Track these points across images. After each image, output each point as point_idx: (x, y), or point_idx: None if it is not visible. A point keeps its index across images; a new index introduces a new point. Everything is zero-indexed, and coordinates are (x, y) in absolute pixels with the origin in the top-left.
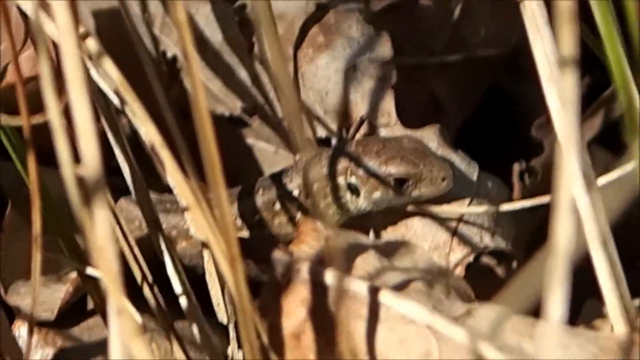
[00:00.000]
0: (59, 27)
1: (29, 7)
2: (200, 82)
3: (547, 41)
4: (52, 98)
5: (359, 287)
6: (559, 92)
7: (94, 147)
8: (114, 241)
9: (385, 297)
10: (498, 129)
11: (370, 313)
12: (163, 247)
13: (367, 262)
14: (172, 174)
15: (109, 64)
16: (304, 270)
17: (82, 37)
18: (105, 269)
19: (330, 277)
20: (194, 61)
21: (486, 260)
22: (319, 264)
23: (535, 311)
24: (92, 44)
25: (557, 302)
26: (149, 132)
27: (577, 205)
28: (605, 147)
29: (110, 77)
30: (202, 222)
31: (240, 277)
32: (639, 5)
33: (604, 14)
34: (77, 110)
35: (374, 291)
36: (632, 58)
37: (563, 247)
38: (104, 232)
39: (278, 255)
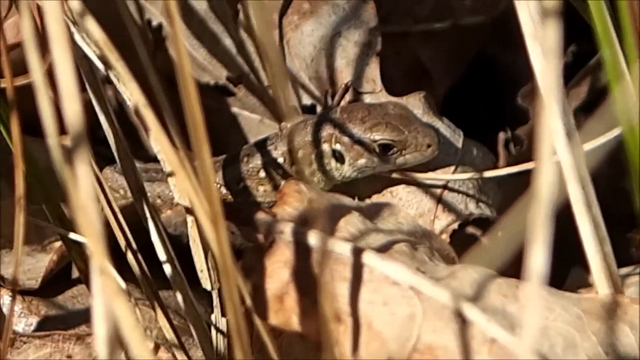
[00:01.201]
0: None
1: None
2: (185, 49)
3: (532, 2)
4: (35, 57)
5: (342, 248)
6: (542, 44)
7: (76, 106)
8: (97, 201)
9: (369, 259)
10: (484, 97)
11: (353, 274)
12: (148, 214)
13: (350, 223)
14: (156, 135)
15: (92, 24)
16: (287, 231)
17: None
18: (87, 229)
19: (313, 238)
20: (179, 28)
21: (471, 229)
22: (302, 225)
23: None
24: (74, 4)
25: (539, 257)
26: (132, 93)
27: (562, 167)
28: (591, 114)
29: (95, 42)
30: (185, 183)
31: (222, 237)
32: None
33: None
34: (60, 69)
35: (357, 252)
36: (617, 20)
37: (545, 198)
38: (86, 191)
39: (261, 216)
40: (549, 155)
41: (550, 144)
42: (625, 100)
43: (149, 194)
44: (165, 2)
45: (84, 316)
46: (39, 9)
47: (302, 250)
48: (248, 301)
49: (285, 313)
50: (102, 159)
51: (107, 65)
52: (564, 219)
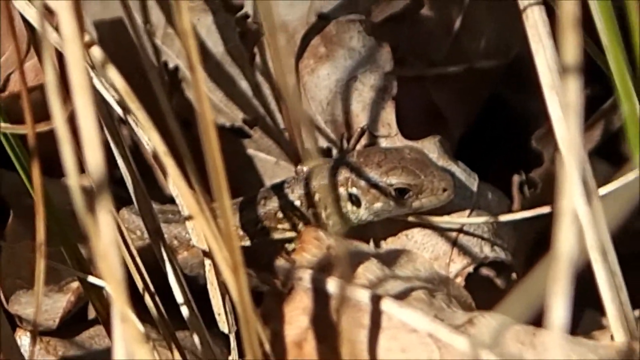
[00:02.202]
0: (64, 34)
1: (32, 16)
2: (205, 90)
3: (549, 50)
4: (57, 105)
5: (361, 295)
6: (561, 99)
7: (98, 154)
8: (118, 248)
9: (387, 306)
10: (498, 140)
11: (372, 321)
12: (165, 256)
13: (368, 270)
14: (176, 181)
15: (113, 72)
16: (306, 278)
17: (87, 46)
18: (109, 276)
19: (332, 285)
20: (199, 69)
21: (486, 271)
22: (321, 272)
23: (537, 321)
24: (96, 52)
25: (559, 310)
26: (153, 140)
27: (578, 215)
28: (604, 159)
29: (113, 86)
30: (205, 229)
31: (242, 284)
32: None
33: (607, 22)
34: (82, 116)
35: (375, 299)
36: (634, 68)
37: (566, 255)
38: (108, 238)
39: (280, 263)
40: (569, 217)
41: (571, 201)
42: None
43: (165, 235)
44: (184, 44)
45: (101, 357)
46: (57, 52)
47: (320, 296)
48: (267, 347)
49: (305, 359)
50: (119, 199)
51: (126, 110)
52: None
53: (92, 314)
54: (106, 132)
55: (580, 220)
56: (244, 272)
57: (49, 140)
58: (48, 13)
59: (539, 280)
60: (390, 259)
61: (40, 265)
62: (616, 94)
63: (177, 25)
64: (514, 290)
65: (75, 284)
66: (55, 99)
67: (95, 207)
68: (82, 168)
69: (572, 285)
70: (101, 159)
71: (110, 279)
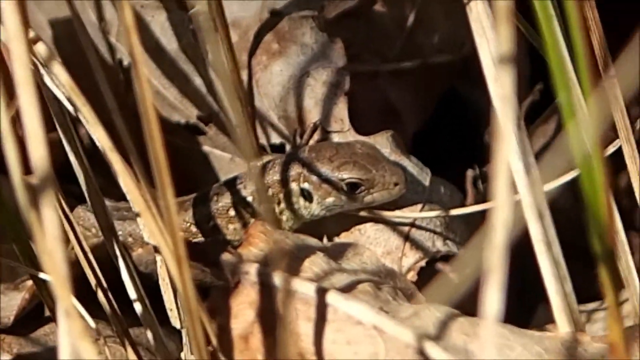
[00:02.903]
0: (7, 30)
1: None
2: (148, 85)
3: (492, 43)
4: (2, 102)
5: (306, 288)
6: (497, 88)
7: (42, 149)
8: (62, 244)
9: (333, 299)
10: (452, 135)
11: (317, 314)
12: (118, 253)
13: (315, 263)
14: (122, 177)
15: (58, 68)
16: (252, 272)
17: (33, 42)
18: (53, 271)
19: (278, 278)
20: (141, 63)
21: (441, 265)
22: (267, 266)
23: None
24: (41, 48)
25: (494, 295)
26: (99, 137)
27: (523, 206)
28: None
29: (61, 82)
30: (151, 224)
31: (187, 277)
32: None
33: (545, 15)
34: (26, 111)
35: (321, 292)
36: (573, 54)
37: (499, 238)
38: (53, 234)
39: (227, 257)
40: (504, 195)
41: (508, 184)
42: (581, 140)
43: (120, 232)
44: (127, 45)
45: (56, 354)
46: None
47: (267, 290)
48: (214, 341)
49: (251, 353)
50: (74, 197)
51: (76, 107)
52: (530, 257)
53: (47, 312)
54: (59, 130)
55: (523, 211)
56: (187, 265)
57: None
58: None
59: (475, 262)
60: (337, 253)
61: None
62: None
63: (121, 21)
64: (441, 275)
65: (30, 282)
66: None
67: (39, 205)
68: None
69: (506, 270)
70: (45, 154)
71: (54, 274)
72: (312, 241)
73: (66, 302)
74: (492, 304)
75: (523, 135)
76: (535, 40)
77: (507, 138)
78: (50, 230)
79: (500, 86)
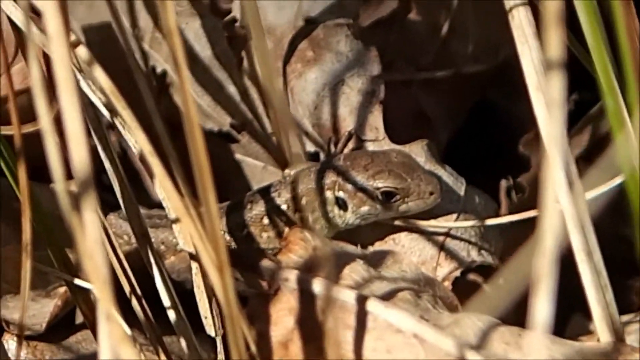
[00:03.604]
0: (49, 31)
1: (18, 17)
2: (190, 90)
3: (535, 50)
4: (43, 102)
5: (347, 296)
6: (546, 95)
7: (83, 152)
8: (103, 247)
9: (373, 306)
10: (486, 145)
11: (358, 322)
12: (152, 259)
13: (355, 271)
14: (162, 181)
15: (99, 72)
16: (292, 279)
17: (73, 45)
18: (94, 275)
19: (318, 286)
20: (184, 68)
21: (473, 276)
22: (307, 272)
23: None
24: (82, 52)
25: (543, 308)
26: (139, 140)
27: (564, 215)
28: (592, 163)
29: (100, 88)
30: (191, 229)
31: (228, 283)
32: (625, 11)
33: (591, 21)
34: (68, 115)
35: (361, 300)
36: (619, 66)
37: (549, 251)
38: (93, 236)
39: (266, 264)
40: (552, 205)
41: (554, 193)
42: (627, 148)
43: (152, 240)
44: (172, 50)
45: None
46: (44, 55)
47: (306, 297)
48: (253, 348)
49: None
50: (106, 205)
51: (113, 112)
52: (564, 265)
53: (79, 318)
54: (94, 136)
55: (565, 220)
56: (229, 272)
57: (36, 147)
58: (35, 16)
59: (518, 274)
60: (376, 260)
61: (27, 266)
62: (600, 89)
63: (163, 24)
64: (492, 286)
65: (63, 289)
66: (41, 96)
67: (80, 208)
68: (69, 174)
69: (556, 279)
70: (86, 157)
71: (95, 278)
72: (351, 248)
73: (107, 306)
74: (542, 313)
75: (565, 145)
76: (575, 47)
77: (556, 144)
78: (91, 233)
79: (550, 92)
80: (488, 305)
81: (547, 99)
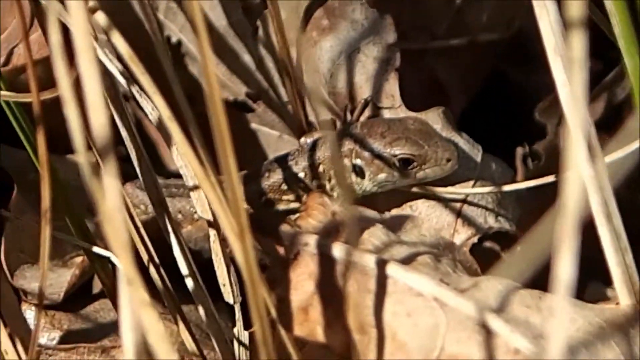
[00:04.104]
0: None
1: None
2: (211, 54)
3: (553, 13)
4: (63, 68)
5: (366, 260)
6: (565, 62)
7: (103, 118)
8: (123, 211)
9: (393, 270)
10: (501, 113)
11: (378, 286)
12: (169, 228)
13: (374, 235)
14: (181, 147)
15: (117, 38)
16: (311, 243)
17: (91, 11)
18: (114, 240)
19: (338, 250)
20: (204, 34)
21: (489, 243)
22: (326, 237)
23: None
24: (100, 17)
25: (566, 268)
26: (157, 105)
27: (583, 179)
28: (607, 131)
29: (117, 55)
30: (211, 195)
31: (249, 248)
32: None
33: None
34: (87, 80)
35: (381, 264)
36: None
37: (572, 211)
38: (114, 202)
39: (285, 229)
40: (575, 166)
41: (577, 154)
42: None
43: (169, 210)
44: (191, 16)
45: (106, 330)
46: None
47: (326, 262)
48: (273, 313)
49: (310, 324)
50: (123, 175)
51: (130, 80)
52: (583, 233)
53: (97, 288)
54: (110, 105)
55: (585, 183)
56: (250, 236)
57: (53, 117)
58: None
59: (540, 240)
60: (395, 225)
61: (46, 232)
62: (620, 55)
63: None
64: (514, 250)
65: (80, 258)
66: (60, 60)
67: (100, 175)
68: (88, 145)
69: (578, 242)
70: (106, 123)
71: (115, 242)
72: (371, 213)
73: (128, 269)
74: (565, 274)
75: (585, 107)
76: (594, 13)
77: (579, 103)
78: (111, 199)
79: (572, 50)
80: (510, 271)
81: (567, 60)
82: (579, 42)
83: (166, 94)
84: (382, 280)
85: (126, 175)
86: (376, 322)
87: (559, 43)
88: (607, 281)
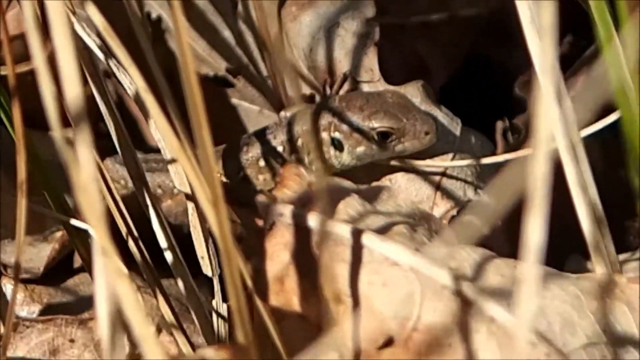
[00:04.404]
0: None
1: None
2: (187, 37)
3: None
4: (37, 41)
5: (342, 230)
6: (533, 28)
7: (78, 91)
8: (98, 183)
9: (368, 240)
10: (481, 89)
11: (353, 256)
12: (149, 202)
13: (349, 205)
14: (157, 120)
15: (93, 10)
16: (287, 214)
17: None
18: (89, 210)
19: (313, 220)
20: (180, 14)
21: (469, 216)
22: (302, 207)
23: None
24: None
25: (536, 232)
26: (133, 77)
27: (558, 150)
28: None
29: (94, 24)
30: (186, 167)
31: (223, 219)
32: None
33: None
34: (61, 53)
35: (357, 234)
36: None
37: (541, 175)
38: (88, 172)
39: (261, 199)
40: (545, 133)
41: (547, 124)
42: (619, 70)
43: (149, 184)
44: None
45: (86, 304)
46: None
47: (302, 232)
48: (249, 283)
49: (286, 295)
50: (103, 151)
51: (108, 54)
52: (561, 208)
53: (77, 262)
54: (89, 80)
55: (559, 154)
56: (224, 207)
57: (36, 95)
58: None
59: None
60: (371, 195)
61: (22, 204)
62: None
63: None
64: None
65: (60, 233)
66: (34, 34)
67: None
68: (66, 121)
69: (548, 207)
70: (81, 96)
71: (90, 212)
72: (347, 183)
73: (103, 240)
74: (534, 237)
75: (558, 79)
76: None
77: (549, 69)
78: (86, 170)
79: (542, 19)
80: (475, 229)
81: (539, 27)
82: (548, 9)
83: (146, 71)
84: (357, 250)
85: (107, 150)
86: (352, 292)
87: (535, 15)
88: (587, 254)
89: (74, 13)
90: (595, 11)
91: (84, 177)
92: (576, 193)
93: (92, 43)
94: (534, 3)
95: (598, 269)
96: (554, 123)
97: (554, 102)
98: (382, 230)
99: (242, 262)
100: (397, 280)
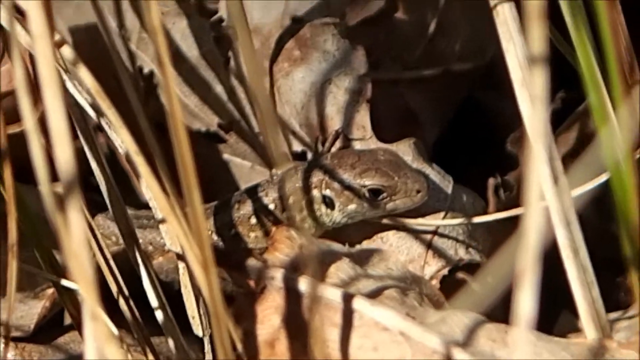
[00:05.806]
0: (33, 31)
1: (3, 18)
2: (175, 90)
3: (520, 47)
4: (27, 104)
5: (332, 294)
6: (525, 91)
7: (68, 153)
8: (89, 246)
9: (359, 304)
10: (473, 143)
11: (344, 320)
12: (139, 260)
13: (340, 269)
14: (147, 179)
15: (83, 72)
16: (278, 277)
17: (58, 45)
18: (79, 274)
19: (304, 284)
20: (168, 66)
21: (461, 274)
22: (293, 271)
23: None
24: (67, 51)
25: (527, 300)
26: (124, 139)
27: (550, 212)
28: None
29: (87, 90)
30: (176, 227)
31: (213, 281)
32: (609, 6)
33: (575, 17)
34: (52, 114)
35: (347, 298)
36: (604, 62)
37: (532, 242)
38: (78, 237)
39: (252, 262)
40: (536, 200)
41: (538, 188)
42: (612, 144)
43: (140, 241)
44: (156, 49)
45: None
46: (31, 56)
47: (293, 296)
48: (239, 346)
49: (277, 358)
50: (94, 206)
51: (99, 112)
52: (553, 263)
53: (68, 320)
54: (80, 136)
55: (551, 216)
56: (214, 270)
57: (24, 149)
58: (21, 17)
59: (503, 270)
60: (362, 258)
61: (13, 266)
62: (584, 85)
63: (147, 23)
64: (478, 282)
65: (50, 290)
66: (25, 95)
67: (65, 207)
68: (56, 176)
69: (539, 275)
70: (71, 156)
71: (80, 277)
72: (338, 246)
73: (92, 305)
74: (525, 308)
75: (550, 141)
76: (560, 45)
77: (539, 139)
78: (76, 233)
79: (533, 87)
80: (474, 301)
81: (530, 94)
82: (540, 77)
83: (136, 125)
84: (348, 314)
85: (98, 205)
86: (342, 357)
87: (526, 76)
88: (578, 312)
89: (66, 71)
90: (586, 77)
91: (75, 243)
92: (566, 256)
93: (83, 101)
94: (526, 65)
95: (589, 332)
96: (545, 186)
97: (545, 165)
98: (373, 295)
99: (231, 324)
100: (387, 345)
